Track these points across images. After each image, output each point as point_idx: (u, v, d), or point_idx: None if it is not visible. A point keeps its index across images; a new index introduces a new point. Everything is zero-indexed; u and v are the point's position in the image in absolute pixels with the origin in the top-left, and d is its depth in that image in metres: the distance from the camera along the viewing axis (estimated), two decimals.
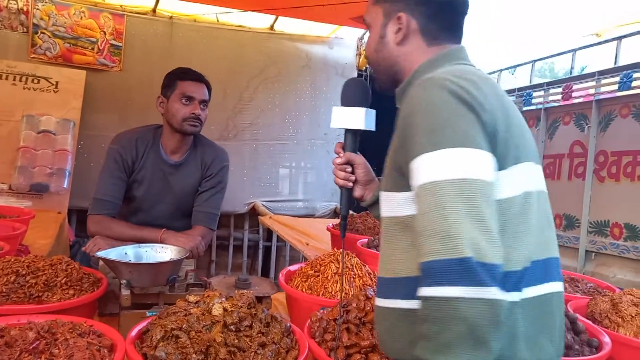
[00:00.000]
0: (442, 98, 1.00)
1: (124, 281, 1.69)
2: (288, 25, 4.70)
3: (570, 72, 4.51)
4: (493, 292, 0.85)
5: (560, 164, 4.17)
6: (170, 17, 4.51)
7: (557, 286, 1.11)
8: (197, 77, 2.45)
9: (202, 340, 1.27)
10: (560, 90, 4.25)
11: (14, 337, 1.19)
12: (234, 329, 1.34)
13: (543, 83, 4.56)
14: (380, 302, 1.17)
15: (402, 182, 1.06)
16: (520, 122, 1.11)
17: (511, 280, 1.00)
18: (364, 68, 5.20)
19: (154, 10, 4.47)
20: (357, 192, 1.50)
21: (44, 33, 4.19)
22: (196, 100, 2.41)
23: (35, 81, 3.89)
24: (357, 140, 1.46)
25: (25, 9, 4.14)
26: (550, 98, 4.39)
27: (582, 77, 4.15)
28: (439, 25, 1.24)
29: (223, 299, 1.44)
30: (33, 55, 4.16)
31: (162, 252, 1.92)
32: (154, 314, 1.62)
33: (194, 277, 1.96)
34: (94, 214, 2.40)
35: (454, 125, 0.97)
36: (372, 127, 1.43)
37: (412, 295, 0.96)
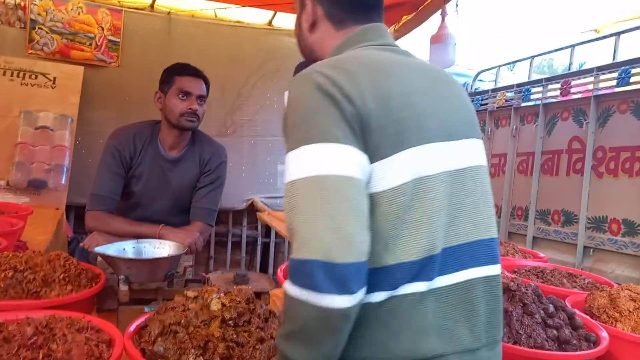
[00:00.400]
0: (306, 93, 1.00)
1: (122, 277, 1.69)
2: (287, 21, 4.68)
3: (569, 68, 4.51)
4: (326, 299, 0.86)
5: (558, 160, 4.17)
6: (168, 13, 4.49)
7: (483, 271, 1.07)
8: (194, 73, 2.45)
9: (200, 336, 1.27)
10: (558, 86, 4.24)
11: (12, 332, 1.19)
12: (232, 324, 1.35)
13: (541, 79, 4.56)
14: None
15: None
16: (413, 102, 1.04)
17: (411, 271, 0.97)
18: None
19: (151, 6, 4.44)
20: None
21: (41, 29, 4.17)
22: (193, 95, 2.41)
23: (33, 77, 3.87)
24: None
25: (22, 4, 4.12)
26: (549, 94, 4.39)
27: (580, 73, 4.15)
28: (342, 8, 1.23)
29: (221, 295, 1.45)
30: (30, 51, 4.14)
31: (161, 248, 1.92)
32: (152, 309, 1.62)
33: (193, 272, 1.97)
34: (92, 209, 2.40)
35: (311, 121, 0.96)
36: None
37: None
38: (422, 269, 0.98)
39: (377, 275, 0.96)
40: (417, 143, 1.01)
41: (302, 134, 0.96)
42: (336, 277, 0.86)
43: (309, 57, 1.31)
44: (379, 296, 0.96)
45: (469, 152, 1.12)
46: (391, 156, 0.98)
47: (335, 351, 0.93)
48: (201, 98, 2.45)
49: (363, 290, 0.91)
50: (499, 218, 4.75)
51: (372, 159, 0.97)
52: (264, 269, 5.02)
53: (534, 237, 4.33)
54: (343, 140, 0.94)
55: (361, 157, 0.96)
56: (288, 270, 0.92)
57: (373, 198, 0.97)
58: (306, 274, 0.87)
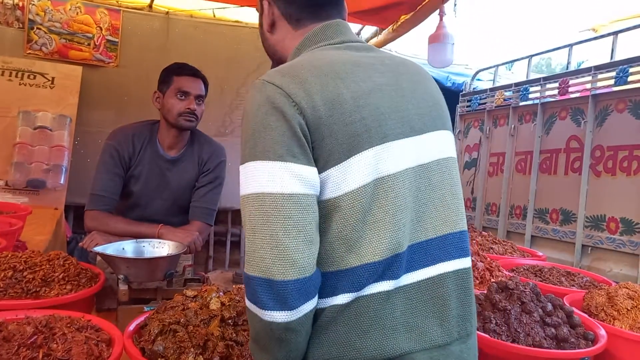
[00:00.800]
0: (256, 106, 0.99)
1: (121, 276, 1.69)
2: None
3: (567, 67, 4.51)
4: (268, 315, 0.91)
5: (556, 159, 4.17)
6: (167, 13, 4.49)
7: (454, 264, 1.08)
8: (193, 73, 2.45)
9: (200, 335, 1.28)
10: (556, 85, 4.25)
11: (11, 331, 1.19)
12: (231, 323, 1.35)
13: (540, 78, 4.56)
14: None
15: None
16: (369, 103, 1.02)
17: (376, 271, 0.97)
18: None
19: (150, 6, 4.44)
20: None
21: (39, 29, 4.17)
22: (192, 95, 2.41)
23: (31, 77, 3.86)
24: None
25: (20, 4, 4.12)
26: (547, 93, 4.40)
27: (578, 72, 4.15)
28: (297, 7, 1.21)
29: (221, 294, 1.45)
30: (29, 51, 4.14)
31: (160, 248, 1.93)
32: (151, 308, 1.62)
33: (192, 272, 1.97)
34: (91, 209, 2.40)
35: (257, 137, 0.97)
36: None
37: None
38: (388, 268, 0.98)
39: (341, 278, 0.97)
40: (377, 143, 1.00)
41: (248, 149, 0.98)
42: (276, 294, 0.90)
43: (273, 58, 1.30)
44: (344, 298, 0.97)
45: (435, 145, 1.11)
46: (347, 160, 0.97)
47: (290, 357, 0.97)
48: (199, 98, 2.45)
49: (309, 304, 0.93)
50: (497, 217, 4.76)
51: (327, 165, 0.97)
52: None
53: (532, 236, 4.34)
54: (286, 158, 0.94)
55: (306, 171, 0.95)
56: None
57: (332, 202, 0.97)
58: (251, 289, 0.92)
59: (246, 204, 0.96)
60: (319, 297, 0.97)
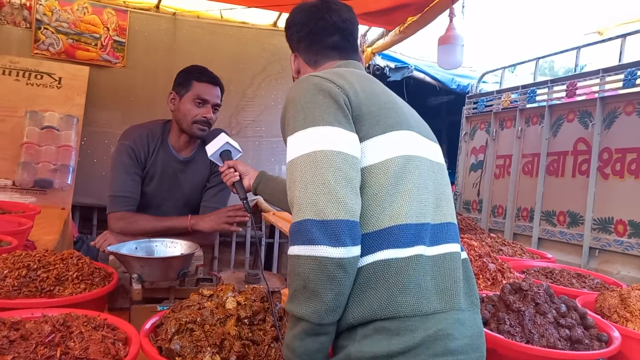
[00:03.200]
0: (303, 91, 1.19)
1: (135, 275, 1.69)
2: None
3: (574, 70, 4.50)
4: (320, 250, 1.00)
5: (564, 161, 4.16)
6: (174, 14, 4.50)
7: (455, 247, 1.23)
8: (213, 80, 2.43)
9: (216, 334, 1.28)
10: (564, 87, 4.24)
11: (29, 330, 1.19)
12: (247, 323, 1.35)
13: (547, 80, 4.55)
14: None
15: None
16: (394, 101, 1.28)
17: (408, 232, 1.11)
18: (367, 65, 5.19)
19: (157, 7, 4.45)
20: (245, 182, 1.94)
21: (47, 29, 4.18)
22: (210, 103, 2.38)
23: (39, 77, 3.87)
24: (230, 155, 2.03)
25: (28, 4, 4.13)
26: (554, 95, 4.39)
27: (586, 75, 4.14)
28: (314, 52, 1.52)
29: (236, 293, 1.45)
30: (36, 51, 4.15)
31: (172, 247, 1.92)
32: (165, 308, 1.62)
33: (204, 272, 1.96)
34: (115, 211, 2.37)
35: (306, 111, 1.15)
36: (228, 147, 2.02)
37: None
38: (418, 234, 1.13)
39: (377, 237, 1.10)
40: (401, 128, 1.22)
41: (299, 122, 1.14)
42: (329, 232, 1.00)
43: None
44: (383, 254, 1.09)
45: (439, 153, 1.34)
46: (382, 134, 1.18)
47: (336, 302, 1.04)
48: (216, 106, 2.43)
49: (357, 248, 1.05)
50: (504, 219, 4.75)
51: (366, 137, 1.16)
52: (267, 269, 5.02)
53: (539, 238, 4.32)
54: (333, 123, 1.12)
55: (351, 136, 1.14)
56: (289, 235, 1.06)
57: (369, 170, 1.14)
58: (303, 231, 1.02)
59: (297, 164, 1.10)
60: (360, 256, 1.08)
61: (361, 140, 1.15)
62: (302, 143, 1.11)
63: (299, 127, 1.13)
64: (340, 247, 1.00)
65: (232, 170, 1.98)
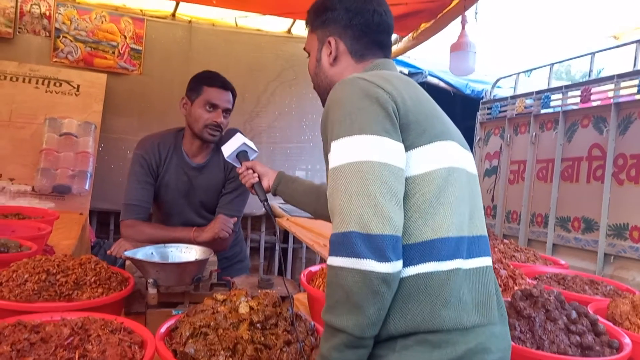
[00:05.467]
0: (349, 93, 1.15)
1: (150, 280, 1.72)
2: (306, 28, 4.71)
3: (589, 75, 4.48)
4: (367, 264, 0.98)
5: (578, 167, 4.14)
6: (189, 22, 4.57)
7: (488, 260, 1.22)
8: (223, 85, 2.45)
9: (229, 338, 1.30)
10: (578, 93, 4.23)
11: (49, 333, 1.23)
12: (260, 327, 1.37)
13: (561, 86, 4.53)
14: None
15: None
16: (435, 109, 1.26)
17: (449, 246, 1.10)
18: None
19: (173, 15, 4.53)
20: (264, 183, 1.94)
21: (65, 37, 4.27)
22: (220, 108, 2.41)
23: (57, 84, 3.96)
24: (247, 155, 2.03)
25: (47, 13, 4.23)
26: (569, 101, 4.37)
27: (601, 80, 4.13)
28: (363, 45, 1.42)
29: (249, 298, 1.47)
30: (55, 59, 4.24)
31: (187, 252, 1.96)
32: (179, 312, 1.66)
33: (217, 276, 1.99)
34: (126, 219, 2.43)
35: (353, 116, 1.11)
36: (245, 148, 2.02)
37: None
38: (457, 248, 1.12)
39: (419, 249, 1.08)
40: (445, 138, 1.19)
41: (345, 127, 1.10)
42: (374, 247, 0.98)
43: (327, 89, 1.43)
44: (425, 267, 1.07)
45: (473, 163, 1.31)
46: (428, 144, 1.15)
47: (378, 316, 1.03)
48: (227, 111, 2.46)
49: (400, 262, 1.03)
50: (518, 225, 4.73)
51: (412, 146, 1.13)
52: (281, 274, 5.03)
53: (553, 244, 4.30)
54: (380, 133, 1.08)
55: (398, 146, 1.10)
56: (330, 245, 1.04)
57: (413, 180, 1.12)
58: (347, 244, 0.99)
59: (342, 172, 1.07)
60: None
61: (406, 149, 1.13)
62: (348, 150, 1.08)
63: (345, 132, 1.10)
64: (385, 263, 0.99)
65: (250, 171, 1.97)
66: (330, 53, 1.44)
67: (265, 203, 1.90)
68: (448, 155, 1.18)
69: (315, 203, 1.93)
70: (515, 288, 2.10)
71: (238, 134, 2.05)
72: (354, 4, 1.43)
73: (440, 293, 1.07)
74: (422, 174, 1.12)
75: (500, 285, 2.11)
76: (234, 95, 2.49)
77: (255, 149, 2.07)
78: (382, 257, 0.98)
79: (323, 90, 1.48)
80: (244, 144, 2.02)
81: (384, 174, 1.04)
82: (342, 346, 1.03)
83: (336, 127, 1.12)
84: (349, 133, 1.09)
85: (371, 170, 1.04)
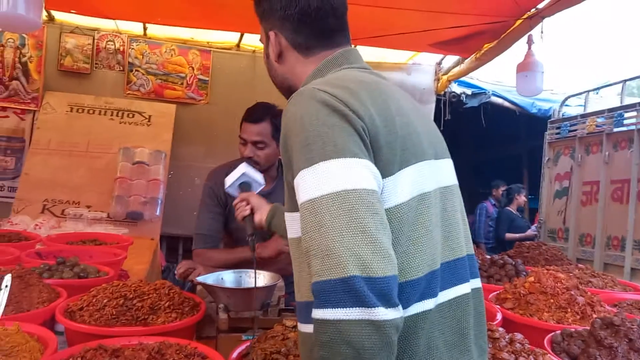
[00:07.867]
0: (312, 110, 0.97)
1: (222, 305, 1.75)
2: (364, 53, 4.73)
3: None
4: (378, 313, 0.81)
5: None
6: (253, 51, 4.71)
7: (472, 284, 1.11)
8: (252, 119, 2.47)
9: None
10: None
11: (128, 357, 1.27)
12: None
13: (635, 103, 4.35)
14: (299, 327, 1.09)
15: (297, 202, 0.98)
16: (409, 121, 1.05)
17: (418, 288, 0.96)
18: (442, 92, 5.17)
19: (238, 45, 4.68)
20: (257, 217, 1.83)
21: (138, 71, 4.50)
22: (248, 142, 2.45)
23: (130, 115, 4.17)
24: (249, 187, 1.99)
25: (121, 49, 4.47)
26: None
27: None
28: (305, 36, 1.22)
29: None
30: (128, 92, 4.46)
31: (257, 278, 1.98)
32: (249, 337, 1.67)
33: (285, 302, 2.01)
34: (197, 248, 2.53)
35: (325, 137, 0.93)
36: (246, 179, 1.99)
37: None
38: (428, 285, 0.98)
39: None
40: (417, 160, 1.03)
41: (316, 150, 0.92)
42: (379, 292, 0.82)
43: (282, 86, 1.31)
44: None
45: (450, 171, 1.16)
46: (398, 172, 0.98)
47: None
48: (256, 144, 2.47)
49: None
50: (593, 248, 4.52)
51: (383, 174, 0.96)
52: None
53: (632, 269, 4.08)
54: (360, 155, 0.92)
55: (376, 171, 0.94)
56: (317, 295, 0.85)
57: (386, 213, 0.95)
58: (351, 291, 0.82)
59: (323, 205, 0.88)
60: None
61: None
62: (325, 178, 0.90)
63: (318, 157, 0.91)
64: (393, 308, 0.84)
65: (244, 203, 1.87)
66: (273, 48, 1.26)
67: (251, 238, 1.78)
68: (419, 181, 1.02)
69: None
70: (594, 316, 2.00)
71: (241, 165, 2.03)
72: None
73: (407, 344, 0.95)
74: (392, 207, 0.96)
75: (577, 313, 2.01)
76: (274, 126, 2.44)
77: (261, 181, 2.03)
78: (390, 303, 0.83)
79: (280, 87, 1.33)
80: (244, 174, 1.98)
81: (374, 204, 0.89)
82: None
83: (304, 151, 0.94)
84: (322, 158, 0.91)
85: (360, 201, 0.87)
